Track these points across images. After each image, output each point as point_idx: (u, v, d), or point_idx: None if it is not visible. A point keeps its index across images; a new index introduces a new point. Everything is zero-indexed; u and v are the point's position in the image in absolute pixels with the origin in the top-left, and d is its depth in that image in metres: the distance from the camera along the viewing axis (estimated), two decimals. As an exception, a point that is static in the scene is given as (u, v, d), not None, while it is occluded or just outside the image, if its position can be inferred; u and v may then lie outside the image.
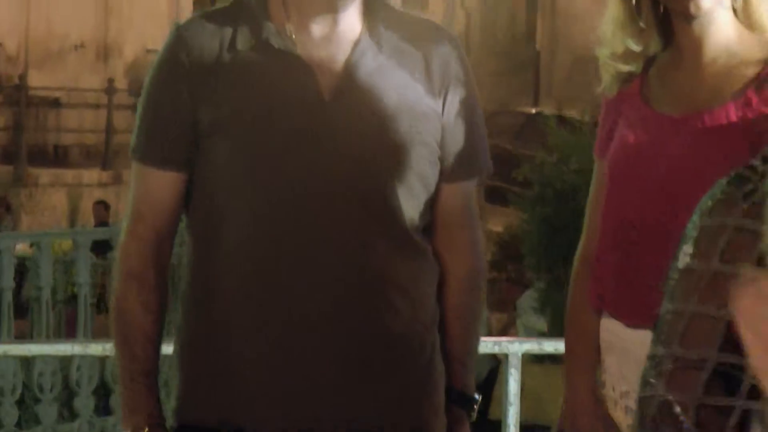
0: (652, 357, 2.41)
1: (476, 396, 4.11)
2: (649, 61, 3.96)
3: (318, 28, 3.81)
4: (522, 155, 20.85)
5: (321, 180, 3.76)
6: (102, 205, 26.82)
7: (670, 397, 2.23)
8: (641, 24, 3.89)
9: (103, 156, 31.21)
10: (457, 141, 3.94)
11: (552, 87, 36.58)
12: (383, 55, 3.83)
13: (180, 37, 3.86)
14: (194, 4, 36.06)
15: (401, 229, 3.84)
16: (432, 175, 3.88)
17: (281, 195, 3.78)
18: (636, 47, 3.92)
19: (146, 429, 3.86)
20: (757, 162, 2.24)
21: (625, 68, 3.97)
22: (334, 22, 3.80)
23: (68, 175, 30.05)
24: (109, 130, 31.93)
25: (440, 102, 3.89)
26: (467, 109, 3.97)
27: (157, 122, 3.88)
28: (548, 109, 28.20)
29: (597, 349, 3.97)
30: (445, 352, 4.01)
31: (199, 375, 3.92)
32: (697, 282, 2.35)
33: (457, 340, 4.03)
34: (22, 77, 31.34)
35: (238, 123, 3.77)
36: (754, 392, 2.28)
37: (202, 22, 3.92)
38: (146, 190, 3.93)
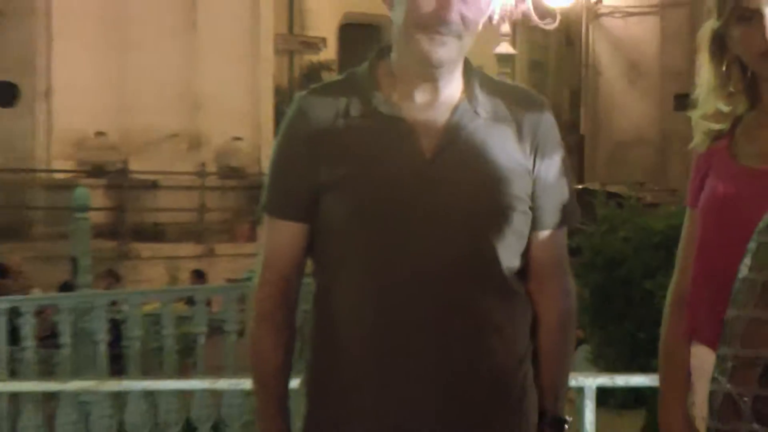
0: (718, 356, 2.56)
1: (568, 418, 4.07)
2: (736, 120, 3.90)
3: (420, 95, 3.82)
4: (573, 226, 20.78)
5: (425, 231, 3.76)
6: (196, 274, 26.82)
7: (732, 390, 2.44)
8: (731, 88, 3.87)
9: (197, 232, 31.23)
10: (547, 194, 3.92)
11: (595, 167, 36.11)
12: (480, 119, 3.83)
13: (300, 108, 3.94)
14: (275, 97, 35.93)
15: (499, 277, 3.83)
16: (525, 226, 3.87)
17: (391, 245, 3.78)
18: (726, 108, 3.87)
19: None
20: None
21: (716, 127, 3.91)
22: (435, 90, 3.82)
23: (166, 249, 29.93)
24: (202, 209, 32.03)
25: (531, 159, 3.87)
26: (555, 166, 3.96)
27: (283, 181, 3.95)
28: (593, 186, 27.93)
29: (688, 376, 3.92)
30: (540, 382, 4.00)
31: (322, 404, 3.93)
32: (754, 290, 2.46)
33: (549, 373, 4.02)
34: (124, 163, 31.35)
35: (351, 181, 3.78)
36: None
37: (319, 93, 3.98)
38: (275, 239, 3.98)
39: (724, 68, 3.89)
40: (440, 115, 3.84)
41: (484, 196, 3.83)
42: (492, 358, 3.87)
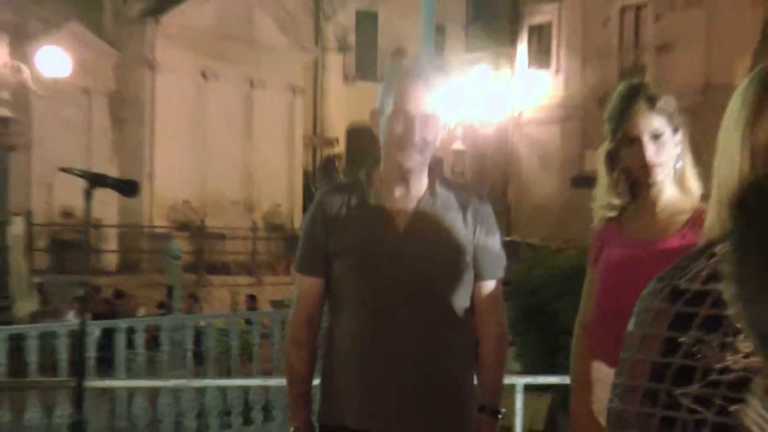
0: (613, 384, 2.46)
1: (503, 410, 4.08)
2: (622, 210, 3.89)
3: (397, 191, 3.88)
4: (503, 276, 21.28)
5: (399, 281, 3.83)
6: (250, 297, 26.77)
7: (622, 409, 2.42)
8: (619, 189, 3.86)
9: (250, 268, 31.21)
10: (484, 257, 3.95)
11: (519, 225, 36.01)
12: (437, 206, 3.89)
13: (320, 200, 4.01)
14: (303, 177, 36.00)
15: (452, 314, 3.90)
16: (469, 279, 3.93)
17: (376, 292, 3.86)
18: (616, 201, 3.87)
19: (301, 428, 4.02)
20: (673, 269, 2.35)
21: (610, 214, 3.91)
22: (407, 187, 3.88)
23: (229, 280, 29.94)
24: (254, 252, 32.06)
25: (472, 234, 3.92)
26: (490, 237, 3.99)
27: (307, 250, 4.02)
28: (518, 238, 28.01)
29: (590, 383, 3.90)
30: (482, 385, 4.05)
31: (329, 398, 3.99)
32: (635, 340, 2.39)
33: (489, 378, 4.04)
34: (202, 221, 31.35)
35: (349, 249, 3.89)
36: (673, 404, 2.46)
37: (333, 191, 4.04)
38: (302, 288, 4.04)
39: (614, 175, 3.86)
40: (410, 204, 3.90)
41: (440, 259, 3.90)
42: (448, 369, 3.93)
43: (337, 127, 38.06)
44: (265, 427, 7.85)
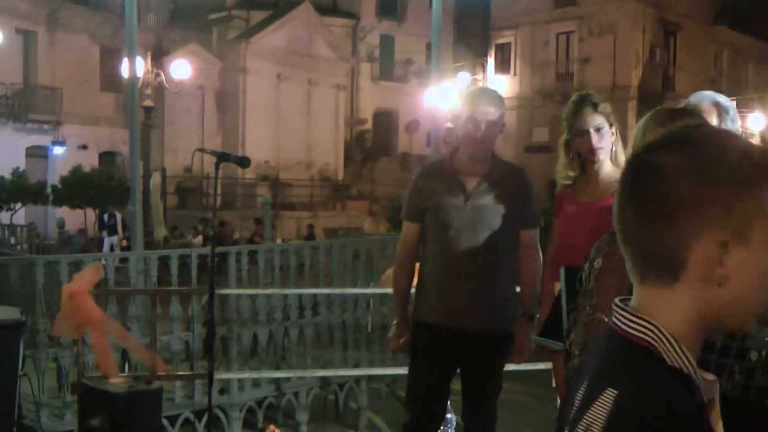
0: (570, 343, 2.38)
1: (537, 314, 3.95)
2: (575, 180, 3.81)
3: (470, 168, 3.85)
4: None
5: (467, 228, 3.80)
6: (309, 226, 26.57)
7: (580, 361, 2.21)
8: (573, 165, 3.79)
9: (310, 206, 31.17)
10: (524, 213, 3.90)
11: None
12: (495, 179, 3.86)
13: (421, 171, 4.01)
14: (344, 145, 35.86)
15: (501, 249, 3.85)
16: (515, 227, 3.87)
17: (452, 235, 3.82)
18: (571, 173, 3.81)
19: (400, 322, 4.00)
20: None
21: (566, 182, 3.84)
22: (475, 167, 3.85)
23: (295, 214, 29.85)
24: (312, 196, 31.93)
25: (517, 197, 3.88)
26: (528, 200, 3.93)
27: (409, 204, 3.96)
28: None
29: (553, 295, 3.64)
30: (523, 296, 3.99)
31: (419, 303, 3.97)
32: (587, 300, 2.32)
33: (527, 292, 3.96)
34: (277, 175, 31.33)
35: (436, 206, 3.85)
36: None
37: (429, 166, 4.06)
38: (407, 230, 4.00)
39: (570, 156, 3.79)
40: (477, 179, 3.86)
41: (495, 214, 3.84)
42: (498, 285, 3.89)
43: (366, 111, 37.89)
44: (321, 318, 7.81)
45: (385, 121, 38.13)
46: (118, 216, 21.43)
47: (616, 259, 1.85)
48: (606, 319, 1.90)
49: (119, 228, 21.25)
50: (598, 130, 3.66)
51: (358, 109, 37.59)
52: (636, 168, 1.14)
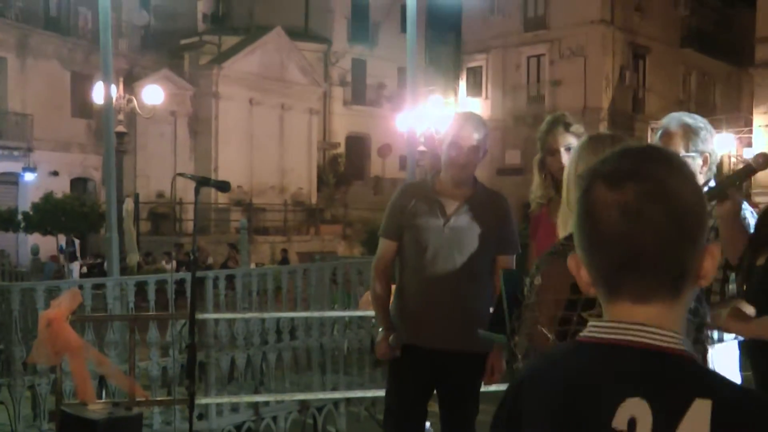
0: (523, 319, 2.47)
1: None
2: (549, 199, 3.83)
3: (451, 192, 3.86)
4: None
5: (445, 252, 3.82)
6: (283, 251, 26.57)
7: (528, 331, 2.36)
8: (546, 185, 3.84)
9: (283, 230, 31.14)
10: (502, 239, 3.90)
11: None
12: (476, 201, 3.87)
13: (401, 191, 4.03)
14: (317, 169, 35.87)
15: (477, 274, 3.86)
16: (491, 252, 3.87)
17: (429, 257, 3.84)
18: (546, 193, 3.85)
19: (388, 327, 3.95)
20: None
21: (541, 201, 3.88)
22: (458, 191, 3.86)
23: (269, 239, 29.92)
24: (285, 220, 31.90)
25: (496, 223, 3.88)
26: (507, 226, 3.94)
27: (388, 222, 3.98)
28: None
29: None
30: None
31: (396, 321, 3.96)
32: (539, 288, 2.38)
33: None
34: (250, 199, 31.26)
35: (414, 226, 3.86)
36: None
37: (410, 187, 4.10)
38: (383, 247, 4.02)
39: (543, 176, 3.85)
40: (458, 202, 3.87)
41: (473, 237, 3.85)
42: (474, 305, 3.85)
43: (339, 135, 37.99)
44: (299, 342, 7.83)
45: (357, 145, 38.24)
46: (77, 242, 21.35)
47: (554, 277, 2.23)
48: (545, 331, 2.25)
49: (77, 254, 21.09)
50: (568, 149, 3.68)
51: (330, 133, 37.68)
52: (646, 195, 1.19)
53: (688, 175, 1.21)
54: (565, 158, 3.69)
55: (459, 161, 3.82)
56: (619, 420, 1.15)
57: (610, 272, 1.21)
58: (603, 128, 31.92)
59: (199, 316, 6.22)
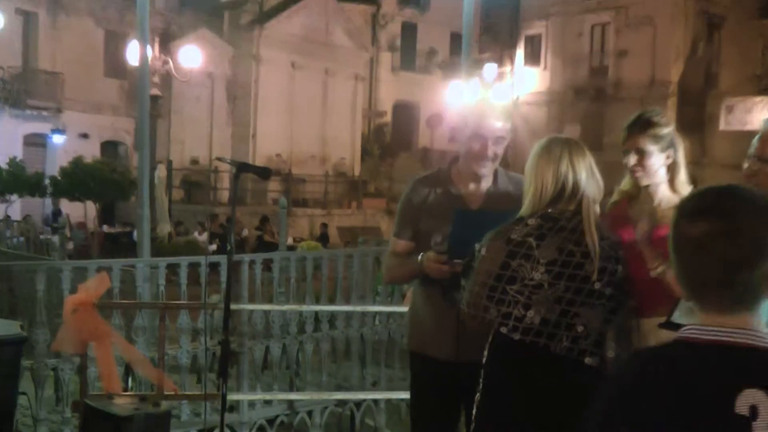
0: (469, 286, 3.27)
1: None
2: (628, 194, 3.71)
3: (471, 185, 3.79)
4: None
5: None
6: (323, 224, 26.78)
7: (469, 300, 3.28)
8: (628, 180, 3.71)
9: (323, 203, 31.22)
10: None
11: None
12: (499, 192, 3.79)
13: (413, 186, 3.89)
14: (361, 139, 35.85)
15: None
16: None
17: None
18: (625, 188, 3.72)
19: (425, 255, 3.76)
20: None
21: (617, 197, 3.78)
22: (479, 184, 3.78)
23: (308, 211, 30.02)
24: (326, 192, 31.99)
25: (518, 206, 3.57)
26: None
27: (401, 223, 3.88)
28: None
29: None
30: None
31: (414, 329, 3.94)
32: (485, 261, 3.21)
33: None
34: (289, 169, 31.35)
35: (434, 228, 3.69)
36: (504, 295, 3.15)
37: (423, 179, 3.90)
38: (395, 246, 3.89)
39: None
40: (479, 194, 3.81)
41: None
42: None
43: (385, 104, 37.87)
44: (338, 332, 7.79)
45: (405, 114, 38.11)
46: (65, 213, 21.61)
47: (492, 251, 3.19)
48: (477, 290, 3.19)
49: (67, 227, 21.19)
50: (640, 152, 3.60)
51: (376, 101, 37.59)
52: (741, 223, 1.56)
53: (761, 210, 1.54)
54: (632, 160, 3.59)
55: (483, 154, 3.71)
56: (740, 407, 1.48)
57: (694, 291, 1.61)
58: (672, 104, 31.43)
59: (234, 306, 6.17)
